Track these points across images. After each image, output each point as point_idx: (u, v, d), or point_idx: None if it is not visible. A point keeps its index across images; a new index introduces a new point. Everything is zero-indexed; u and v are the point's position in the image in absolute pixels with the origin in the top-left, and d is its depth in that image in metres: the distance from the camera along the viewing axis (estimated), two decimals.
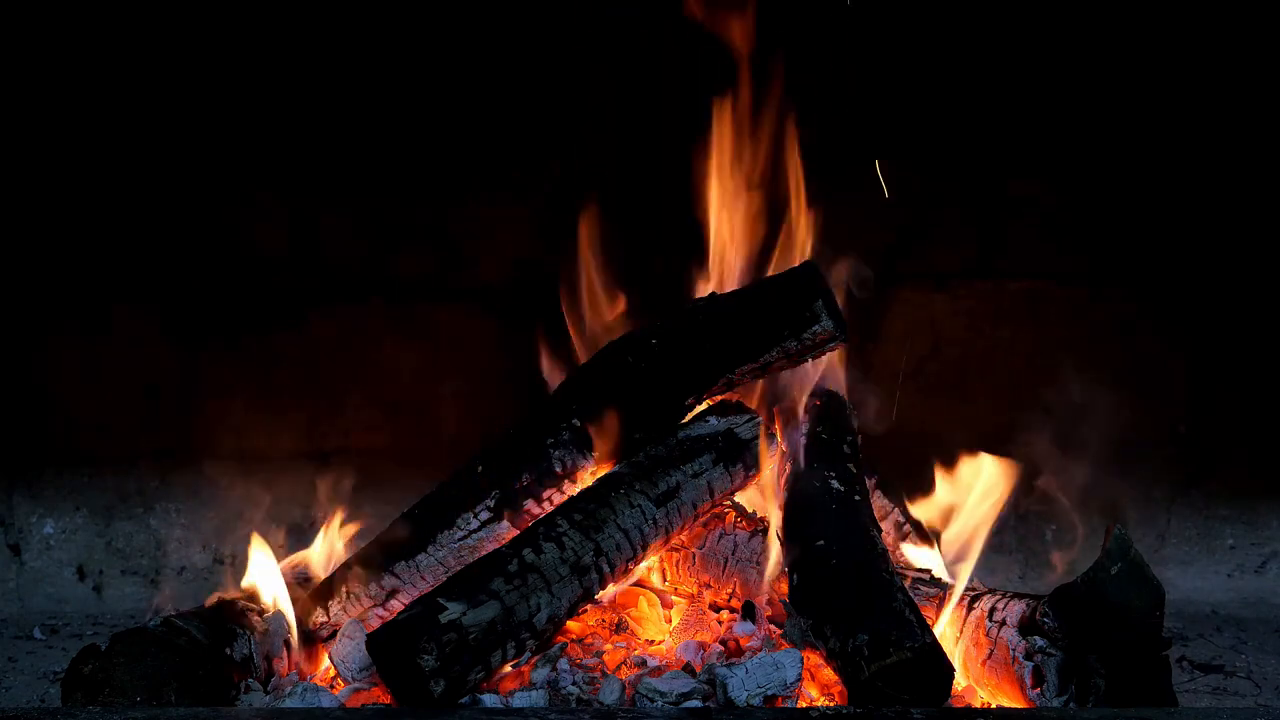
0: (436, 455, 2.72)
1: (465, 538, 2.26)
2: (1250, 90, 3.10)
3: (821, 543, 2.11)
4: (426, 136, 3.11)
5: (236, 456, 3.15)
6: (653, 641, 2.25)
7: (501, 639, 1.96)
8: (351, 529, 2.46)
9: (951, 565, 2.34)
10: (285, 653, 2.20)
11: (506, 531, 2.26)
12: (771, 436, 2.35)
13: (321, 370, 3.16)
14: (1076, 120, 3.11)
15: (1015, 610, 2.04)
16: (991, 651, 2.04)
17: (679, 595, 2.37)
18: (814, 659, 2.02)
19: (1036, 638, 1.95)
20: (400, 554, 2.26)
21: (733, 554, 2.31)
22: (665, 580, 2.40)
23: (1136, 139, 3.12)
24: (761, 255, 2.58)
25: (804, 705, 1.95)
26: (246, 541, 2.32)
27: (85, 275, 3.12)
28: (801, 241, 2.53)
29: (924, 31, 3.07)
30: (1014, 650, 1.98)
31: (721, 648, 2.16)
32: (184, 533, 3.19)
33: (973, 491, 2.39)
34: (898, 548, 2.45)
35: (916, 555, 2.43)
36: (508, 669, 2.02)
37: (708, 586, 2.35)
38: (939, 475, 2.46)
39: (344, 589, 2.27)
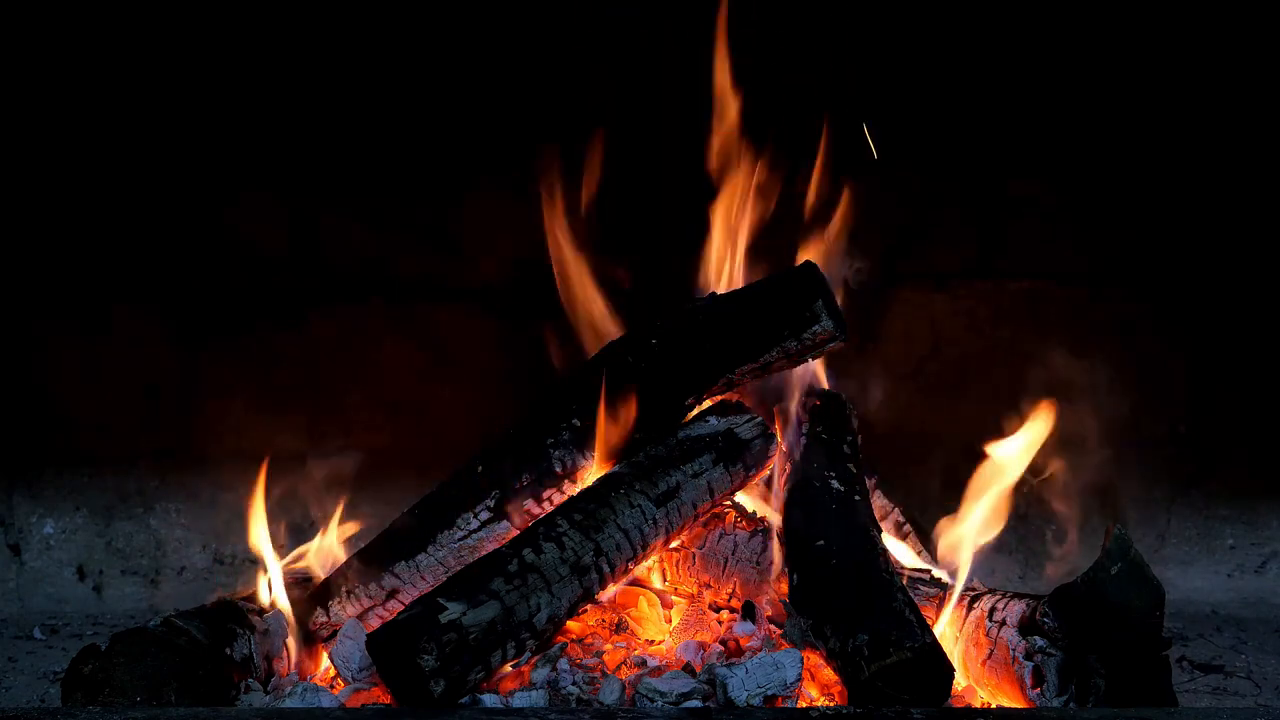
0: (436, 455, 2.72)
1: (465, 538, 2.26)
2: (1250, 90, 3.10)
3: (821, 543, 2.11)
4: (426, 136, 3.11)
5: (236, 456, 3.14)
6: (653, 641, 2.25)
7: (501, 639, 1.96)
8: (351, 529, 2.46)
9: (951, 565, 2.33)
10: (285, 653, 2.20)
11: (506, 531, 2.26)
12: (771, 436, 2.35)
13: (321, 370, 3.16)
14: (1076, 120, 3.11)
15: (1015, 610, 2.04)
16: (991, 651, 2.04)
17: (679, 595, 2.37)
18: (814, 659, 2.02)
19: (1036, 638, 1.95)
20: (400, 554, 2.26)
21: (733, 554, 2.31)
22: (665, 580, 2.40)
23: (1137, 139, 3.12)
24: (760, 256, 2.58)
25: (804, 705, 1.95)
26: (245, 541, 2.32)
27: (85, 275, 3.12)
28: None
29: (924, 31, 3.07)
30: (1014, 650, 1.98)
31: (721, 648, 2.16)
32: (184, 533, 3.19)
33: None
34: (905, 541, 2.45)
35: (915, 555, 2.43)
36: (508, 669, 2.02)
37: (708, 586, 2.35)
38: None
39: (344, 589, 2.27)
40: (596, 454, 2.31)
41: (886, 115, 3.08)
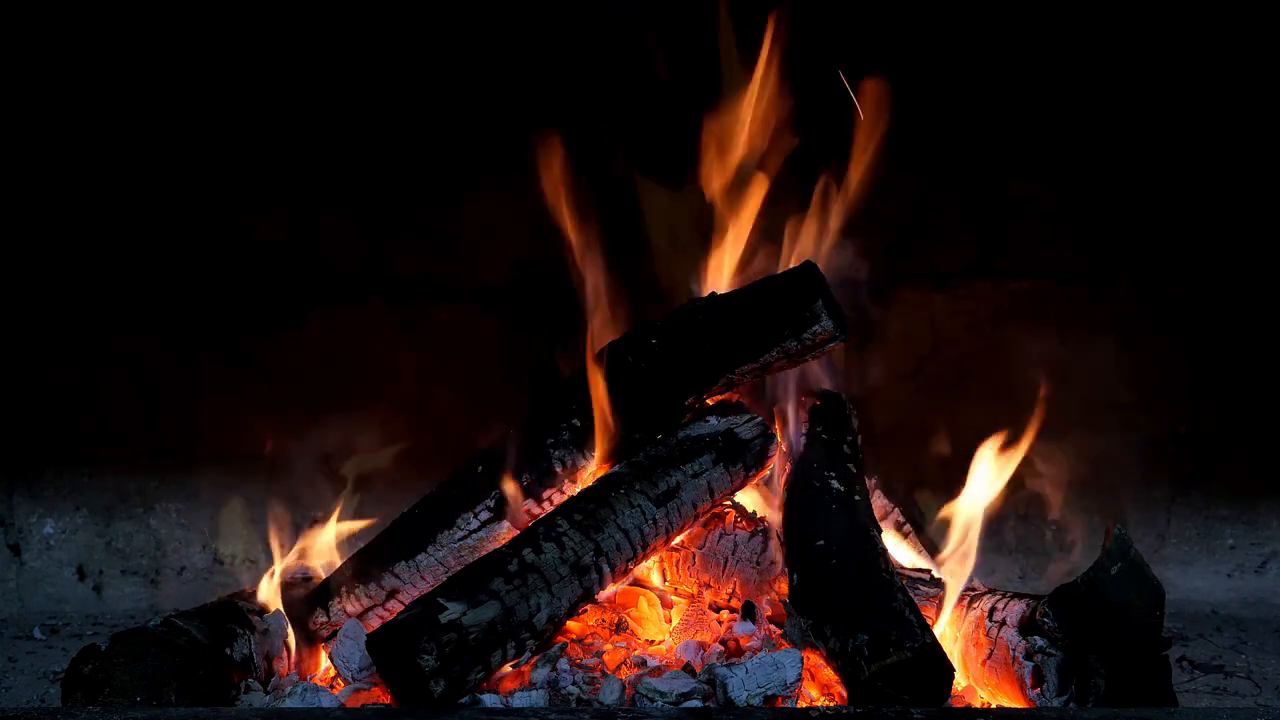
0: (436, 455, 2.72)
1: (465, 538, 2.26)
2: (1250, 90, 3.10)
3: (821, 543, 2.11)
4: (426, 136, 3.11)
5: (236, 456, 3.15)
6: (653, 641, 2.25)
7: (501, 639, 1.96)
8: (351, 529, 2.45)
9: (950, 564, 2.34)
10: (285, 653, 2.20)
11: (506, 531, 2.26)
12: (771, 436, 2.35)
13: (321, 370, 3.15)
14: (1077, 120, 3.11)
15: (1015, 610, 2.04)
16: (991, 651, 2.04)
17: (679, 595, 2.37)
18: (814, 659, 2.02)
19: (1036, 638, 1.95)
20: (400, 554, 2.26)
21: (733, 554, 2.31)
22: (665, 580, 2.40)
23: (1137, 139, 3.11)
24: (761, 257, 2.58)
25: (804, 705, 1.95)
26: (247, 541, 2.32)
27: (85, 275, 3.12)
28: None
29: (924, 31, 3.07)
30: (1014, 650, 1.98)
31: (721, 648, 2.16)
32: (184, 533, 3.19)
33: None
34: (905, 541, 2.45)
35: (915, 555, 2.43)
36: (508, 669, 2.02)
37: (708, 586, 2.35)
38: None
39: (344, 589, 2.27)
40: (596, 454, 2.31)
41: (887, 115, 3.09)
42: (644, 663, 2.12)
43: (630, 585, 2.33)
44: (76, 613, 3.07)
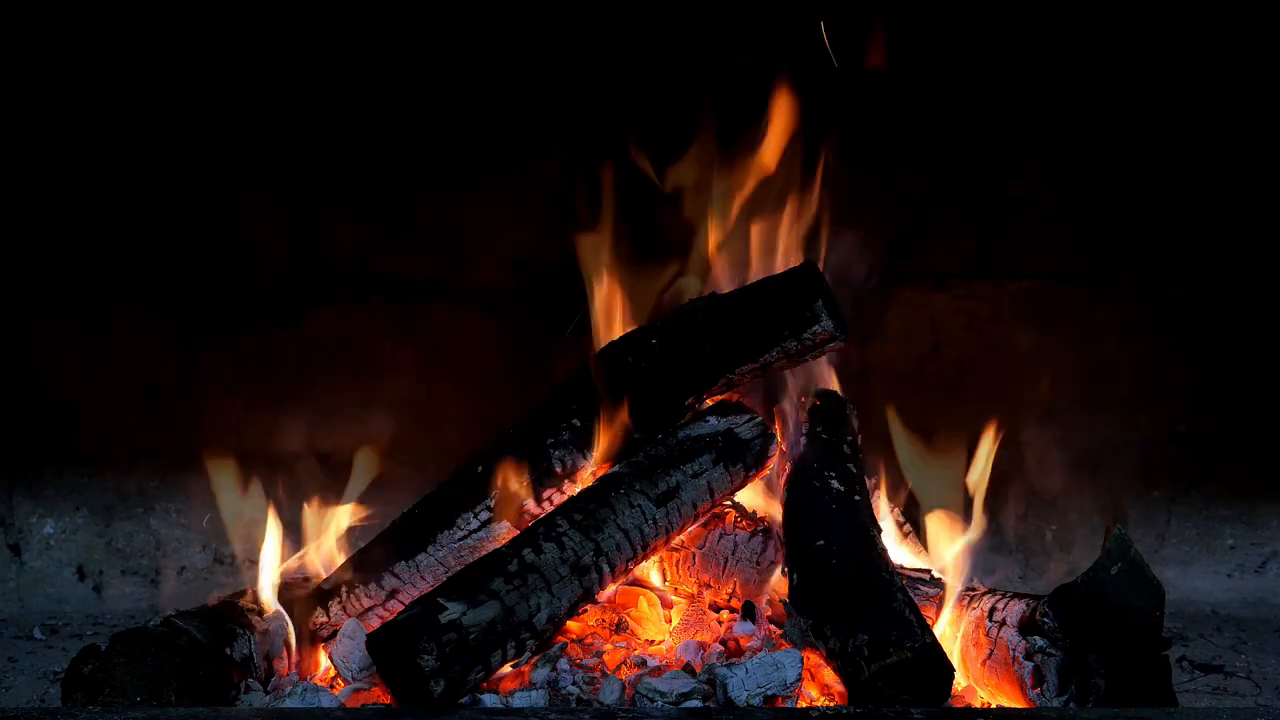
0: (436, 455, 2.72)
1: (465, 538, 2.26)
2: (1250, 90, 3.10)
3: (821, 543, 2.11)
4: (426, 137, 3.11)
5: (236, 456, 3.14)
6: (653, 641, 2.25)
7: (501, 639, 1.96)
8: (351, 528, 2.45)
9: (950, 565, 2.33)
10: (285, 653, 2.20)
11: (506, 531, 2.26)
12: (771, 436, 2.35)
13: (321, 370, 3.15)
14: (1076, 120, 3.11)
15: (1015, 610, 2.04)
16: (991, 651, 2.04)
17: (679, 595, 2.37)
18: (814, 659, 2.02)
19: (1036, 638, 1.95)
20: (400, 554, 2.26)
21: (733, 554, 2.31)
22: (665, 580, 2.40)
23: (1137, 139, 3.12)
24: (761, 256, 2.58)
25: (804, 705, 1.95)
26: (247, 541, 2.32)
27: (85, 275, 3.12)
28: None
29: (924, 31, 3.07)
30: (1014, 650, 1.98)
31: (721, 648, 2.16)
32: (184, 533, 3.19)
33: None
34: (899, 546, 2.45)
35: (915, 555, 2.43)
36: (508, 669, 2.02)
37: (708, 586, 2.35)
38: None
39: (344, 589, 2.27)
40: (596, 454, 2.31)
41: (887, 115, 3.09)
42: (644, 663, 2.12)
43: (630, 585, 2.33)
44: (76, 613, 3.07)
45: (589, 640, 2.20)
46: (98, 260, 3.12)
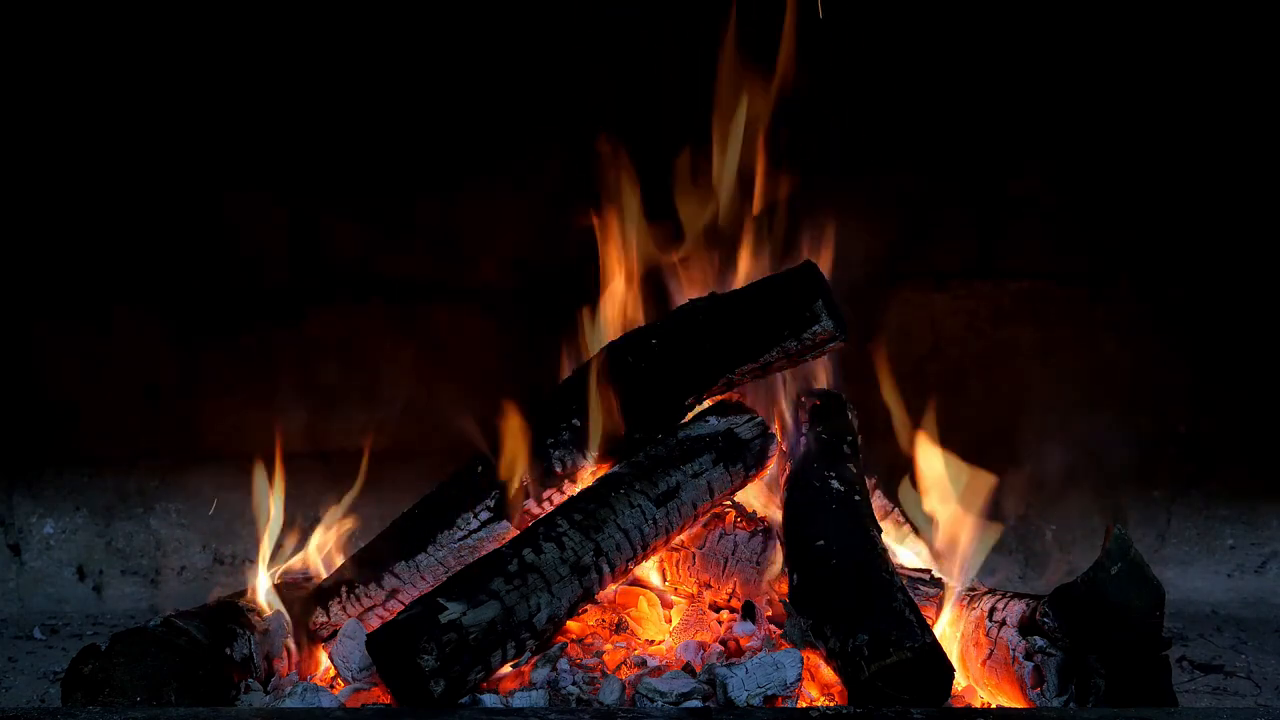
0: (436, 455, 2.72)
1: (465, 538, 2.26)
2: (1250, 90, 3.10)
3: (821, 543, 2.11)
4: (426, 137, 3.11)
5: (236, 456, 3.14)
6: (653, 641, 2.25)
7: (501, 639, 1.96)
8: (351, 528, 2.45)
9: (950, 565, 2.33)
10: (285, 653, 2.20)
11: (506, 531, 2.26)
12: (771, 436, 2.35)
13: (321, 370, 3.16)
14: (1076, 120, 3.11)
15: (1015, 610, 2.04)
16: (991, 651, 2.04)
17: (679, 595, 2.37)
18: (814, 659, 2.02)
19: (1036, 638, 1.95)
20: (400, 554, 2.26)
21: (733, 554, 2.31)
22: (665, 580, 2.40)
23: (1137, 139, 3.12)
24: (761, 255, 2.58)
25: (804, 705, 1.95)
26: (247, 541, 2.32)
27: (85, 275, 3.12)
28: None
29: (924, 31, 3.07)
30: (1014, 650, 1.98)
31: (721, 648, 2.16)
32: (184, 533, 3.19)
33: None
34: (899, 547, 2.45)
35: (915, 555, 2.43)
36: (508, 669, 2.02)
37: (708, 586, 2.35)
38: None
39: (344, 589, 2.27)
40: (596, 454, 2.31)
41: (887, 115, 3.09)
42: (644, 663, 2.12)
43: (630, 585, 2.33)
44: (76, 613, 3.07)
45: (589, 640, 2.20)
46: (97, 260, 3.12)
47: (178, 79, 3.06)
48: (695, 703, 1.93)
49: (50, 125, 3.07)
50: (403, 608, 2.08)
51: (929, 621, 2.01)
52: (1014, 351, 3.19)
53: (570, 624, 2.17)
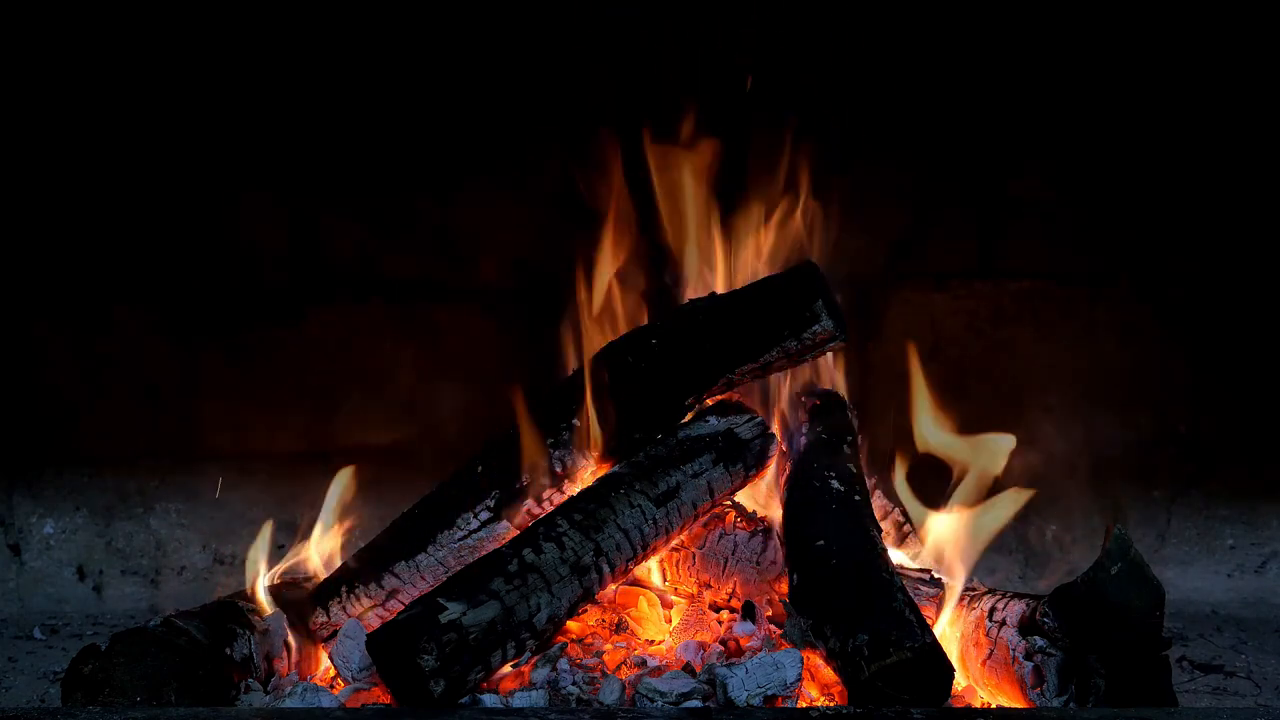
0: (436, 455, 2.72)
1: (465, 538, 2.26)
2: (1250, 90, 3.10)
3: (821, 543, 2.11)
4: (426, 137, 3.11)
5: (236, 456, 3.15)
6: (653, 641, 2.25)
7: (501, 639, 1.96)
8: (351, 528, 2.45)
9: (950, 565, 2.33)
10: (285, 653, 2.20)
11: (506, 531, 2.26)
12: (771, 436, 2.35)
13: (321, 370, 3.16)
14: (1077, 120, 3.12)
15: (1015, 610, 2.04)
16: (991, 651, 2.04)
17: (679, 595, 2.37)
18: (814, 659, 2.02)
19: (1036, 638, 1.95)
20: (400, 554, 2.26)
21: (733, 554, 2.31)
22: (665, 580, 2.40)
23: (1137, 139, 3.12)
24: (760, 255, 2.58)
25: (804, 705, 1.95)
26: (247, 541, 2.32)
27: (85, 275, 3.12)
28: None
29: (924, 31, 3.07)
30: (1014, 650, 1.98)
31: (721, 648, 2.16)
32: (184, 533, 3.19)
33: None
34: (900, 546, 2.45)
35: (915, 556, 2.43)
36: (508, 669, 2.02)
37: (708, 586, 2.35)
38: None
39: (344, 589, 2.27)
40: (596, 454, 2.31)
41: (887, 115, 3.09)
42: (644, 663, 2.12)
43: (630, 585, 2.33)
44: (76, 613, 3.07)
45: (589, 640, 2.20)
46: (97, 260, 3.12)
47: (178, 79, 3.06)
48: (695, 703, 1.93)
49: (51, 126, 3.07)
50: (403, 608, 2.08)
51: (929, 621, 2.01)
52: (1014, 352, 3.19)
53: (570, 624, 2.17)
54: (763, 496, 2.44)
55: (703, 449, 2.26)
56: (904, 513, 2.51)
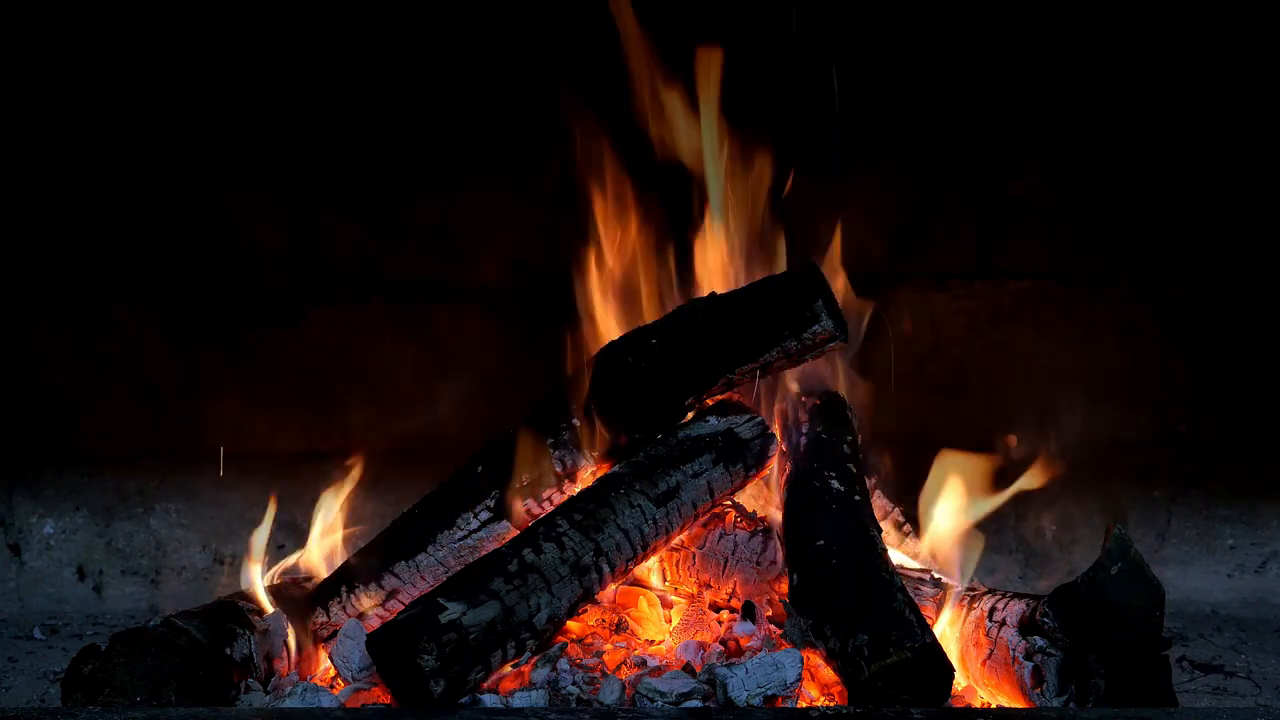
0: (436, 455, 2.72)
1: (465, 538, 2.26)
2: (1250, 90, 3.10)
3: (821, 543, 2.11)
4: (426, 137, 3.11)
5: (236, 456, 3.15)
6: (653, 641, 2.25)
7: (501, 639, 1.96)
8: (351, 529, 2.46)
9: (949, 565, 2.34)
10: (285, 653, 2.20)
11: (506, 531, 2.26)
12: (771, 436, 2.35)
13: (321, 370, 3.16)
14: (1077, 120, 3.12)
15: (1015, 610, 2.04)
16: (991, 651, 2.04)
17: (679, 595, 2.37)
18: (814, 659, 2.02)
19: (1036, 638, 1.95)
20: (400, 554, 2.26)
21: (733, 554, 2.31)
22: (665, 580, 2.40)
23: (1137, 139, 3.12)
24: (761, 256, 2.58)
25: (804, 705, 1.95)
26: (247, 541, 2.32)
27: (85, 275, 3.13)
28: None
29: (924, 30, 3.07)
30: (1014, 650, 1.98)
31: (721, 648, 2.16)
32: (184, 533, 3.19)
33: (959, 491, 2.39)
34: (899, 547, 2.45)
35: (915, 556, 2.43)
36: (508, 669, 2.02)
37: (708, 586, 2.34)
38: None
39: (344, 589, 2.27)
40: (596, 454, 2.31)
41: (887, 115, 3.09)
42: (644, 663, 2.12)
43: (630, 585, 2.33)
44: (76, 613, 3.07)
45: (589, 640, 2.20)
46: (97, 260, 3.12)
47: (178, 79, 3.06)
48: (695, 703, 1.93)
49: (51, 126, 3.07)
50: (403, 608, 2.08)
51: (929, 621, 2.01)
52: (1014, 352, 3.19)
53: (570, 624, 2.17)
54: (763, 496, 2.44)
55: (703, 449, 2.26)
56: (904, 513, 2.51)
